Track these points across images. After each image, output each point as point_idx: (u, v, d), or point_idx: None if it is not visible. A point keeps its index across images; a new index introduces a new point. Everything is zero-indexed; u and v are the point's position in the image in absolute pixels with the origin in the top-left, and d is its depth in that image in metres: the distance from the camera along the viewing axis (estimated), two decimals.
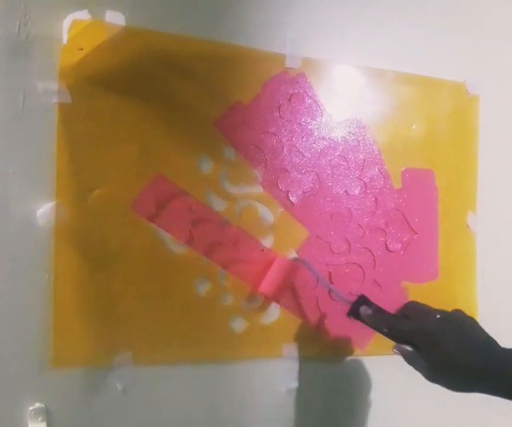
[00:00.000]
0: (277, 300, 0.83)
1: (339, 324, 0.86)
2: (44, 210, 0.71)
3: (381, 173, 0.89)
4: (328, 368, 0.86)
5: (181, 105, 0.78)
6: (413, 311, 0.74)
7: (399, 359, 0.85)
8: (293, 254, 0.84)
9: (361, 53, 0.88)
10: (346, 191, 0.87)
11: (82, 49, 0.72)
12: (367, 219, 0.88)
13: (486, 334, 0.69)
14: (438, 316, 0.70)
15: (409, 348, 0.69)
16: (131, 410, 0.76)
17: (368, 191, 0.88)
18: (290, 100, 0.83)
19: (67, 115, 0.72)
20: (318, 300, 0.85)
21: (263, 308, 0.83)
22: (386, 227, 0.89)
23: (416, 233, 0.91)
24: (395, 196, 0.90)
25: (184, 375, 0.79)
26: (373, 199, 0.88)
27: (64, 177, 0.72)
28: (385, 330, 0.73)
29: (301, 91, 0.84)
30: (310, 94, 0.84)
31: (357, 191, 0.87)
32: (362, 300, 0.79)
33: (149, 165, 0.76)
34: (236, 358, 0.82)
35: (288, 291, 0.84)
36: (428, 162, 0.92)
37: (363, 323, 0.77)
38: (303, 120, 0.84)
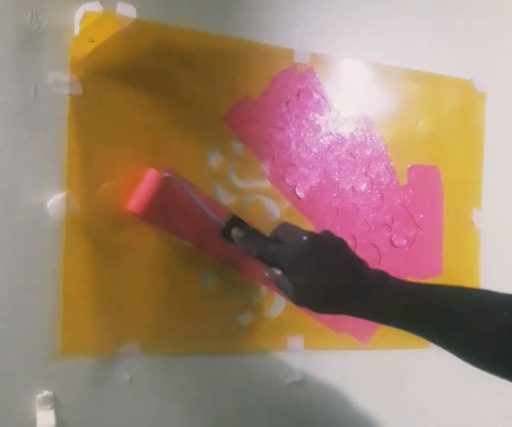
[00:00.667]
0: (148, 218, 0.76)
1: (341, 318, 0.86)
2: (54, 201, 0.71)
3: (387, 169, 0.89)
4: (331, 361, 0.87)
5: (190, 99, 0.78)
6: (284, 233, 0.70)
7: (402, 354, 0.86)
8: None
9: (369, 50, 0.89)
10: (352, 186, 0.87)
11: (93, 41, 0.72)
12: (372, 214, 0.89)
13: (354, 254, 0.68)
14: (304, 237, 0.67)
15: (278, 271, 0.67)
16: (138, 399, 0.76)
17: (374, 187, 0.89)
18: (298, 95, 0.84)
19: (78, 107, 0.72)
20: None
21: (268, 300, 0.83)
22: (391, 223, 0.90)
23: (421, 230, 0.92)
24: (401, 192, 0.90)
25: (190, 366, 0.79)
26: (379, 195, 0.89)
27: (75, 168, 0.72)
28: (255, 253, 0.70)
29: (310, 86, 0.84)
30: (318, 90, 0.85)
31: (363, 187, 0.88)
32: (236, 221, 0.74)
33: (158, 158, 0.77)
34: (241, 350, 0.82)
35: (161, 210, 0.78)
36: (434, 159, 0.93)
37: (236, 246, 0.73)
38: (311, 115, 0.85)
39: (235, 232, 0.73)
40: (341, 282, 0.64)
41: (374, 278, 0.66)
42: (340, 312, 0.66)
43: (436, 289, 0.66)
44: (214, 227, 0.76)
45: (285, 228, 0.71)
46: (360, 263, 0.67)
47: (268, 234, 0.73)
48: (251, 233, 0.73)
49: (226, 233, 0.74)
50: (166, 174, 0.76)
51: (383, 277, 0.66)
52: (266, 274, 0.69)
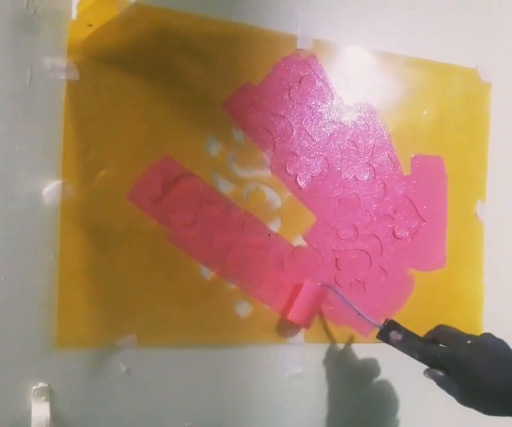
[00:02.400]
0: (307, 326, 0.83)
1: (342, 311, 0.85)
2: (50, 189, 0.70)
3: (390, 159, 0.88)
4: (331, 354, 0.86)
5: (189, 85, 0.77)
6: (443, 336, 0.74)
7: None
8: (299, 241, 0.83)
9: (373, 37, 0.87)
10: (355, 176, 0.86)
11: (91, 25, 0.71)
12: (375, 205, 0.87)
13: None
14: (468, 342, 0.70)
15: (440, 373, 0.70)
16: (135, 392, 0.75)
17: (377, 177, 0.87)
18: (300, 82, 0.82)
19: (75, 93, 0.71)
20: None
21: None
22: (394, 214, 0.88)
23: (424, 221, 0.90)
24: (404, 182, 0.89)
25: (187, 358, 0.78)
26: (381, 185, 0.87)
27: (71, 155, 0.71)
28: (416, 356, 0.73)
29: (312, 73, 0.83)
30: (320, 77, 0.83)
31: (365, 177, 0.86)
32: (391, 324, 0.78)
33: (156, 145, 0.75)
34: (240, 342, 0.81)
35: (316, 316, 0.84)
36: (438, 149, 0.91)
37: (393, 346, 0.77)
38: (313, 103, 0.83)
39: (394, 335, 0.77)
40: (509, 387, 0.66)
41: None
42: (509, 415, 0.67)
43: None
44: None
45: (444, 331, 0.75)
46: None
47: (423, 335, 0.77)
48: (408, 335, 0.77)
49: (382, 335, 0.79)
50: (320, 284, 0.82)
51: None
52: (427, 375, 0.72)
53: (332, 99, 0.84)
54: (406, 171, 0.89)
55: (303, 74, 0.82)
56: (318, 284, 0.82)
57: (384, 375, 0.89)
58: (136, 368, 0.75)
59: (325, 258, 0.84)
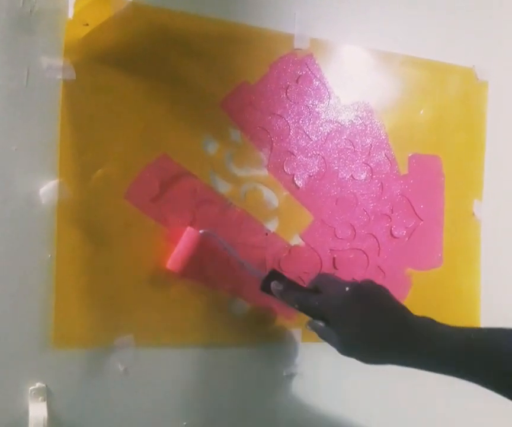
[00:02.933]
0: (187, 276, 0.77)
1: None
2: (47, 188, 0.70)
3: (388, 158, 0.88)
4: (329, 353, 0.86)
5: (187, 85, 0.76)
6: (323, 284, 0.71)
7: None
8: (297, 240, 0.83)
9: (370, 36, 0.87)
10: (352, 175, 0.86)
11: (87, 24, 0.71)
12: (372, 204, 0.87)
13: (397, 303, 0.68)
14: (346, 288, 0.67)
15: (320, 323, 0.68)
16: (132, 391, 0.75)
17: (374, 177, 0.87)
18: (297, 81, 0.82)
19: (72, 92, 0.71)
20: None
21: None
22: (391, 213, 0.88)
23: (422, 220, 0.90)
24: (401, 181, 0.89)
25: (184, 358, 0.78)
26: (378, 184, 0.87)
27: (68, 155, 0.71)
28: (296, 306, 0.71)
29: (309, 72, 0.83)
30: (318, 76, 0.83)
31: (363, 176, 0.86)
32: (274, 274, 0.75)
33: (153, 144, 0.75)
34: (237, 341, 0.81)
35: (198, 266, 0.78)
36: (435, 148, 0.91)
37: (275, 298, 0.74)
38: (310, 102, 0.83)
39: (274, 285, 0.73)
40: (386, 333, 0.65)
41: (420, 325, 0.65)
42: (388, 362, 0.66)
43: (483, 332, 0.65)
44: (252, 279, 0.78)
45: (325, 279, 0.73)
46: (404, 310, 0.67)
47: (307, 285, 0.75)
48: (290, 286, 0.74)
49: (265, 287, 0.75)
50: (202, 231, 0.76)
51: (429, 323, 0.65)
52: (309, 327, 0.70)
53: (329, 98, 0.84)
54: (404, 170, 0.89)
55: (300, 73, 0.82)
56: (199, 231, 0.76)
57: (383, 374, 0.89)
58: (134, 368, 0.75)
59: (322, 257, 0.84)
